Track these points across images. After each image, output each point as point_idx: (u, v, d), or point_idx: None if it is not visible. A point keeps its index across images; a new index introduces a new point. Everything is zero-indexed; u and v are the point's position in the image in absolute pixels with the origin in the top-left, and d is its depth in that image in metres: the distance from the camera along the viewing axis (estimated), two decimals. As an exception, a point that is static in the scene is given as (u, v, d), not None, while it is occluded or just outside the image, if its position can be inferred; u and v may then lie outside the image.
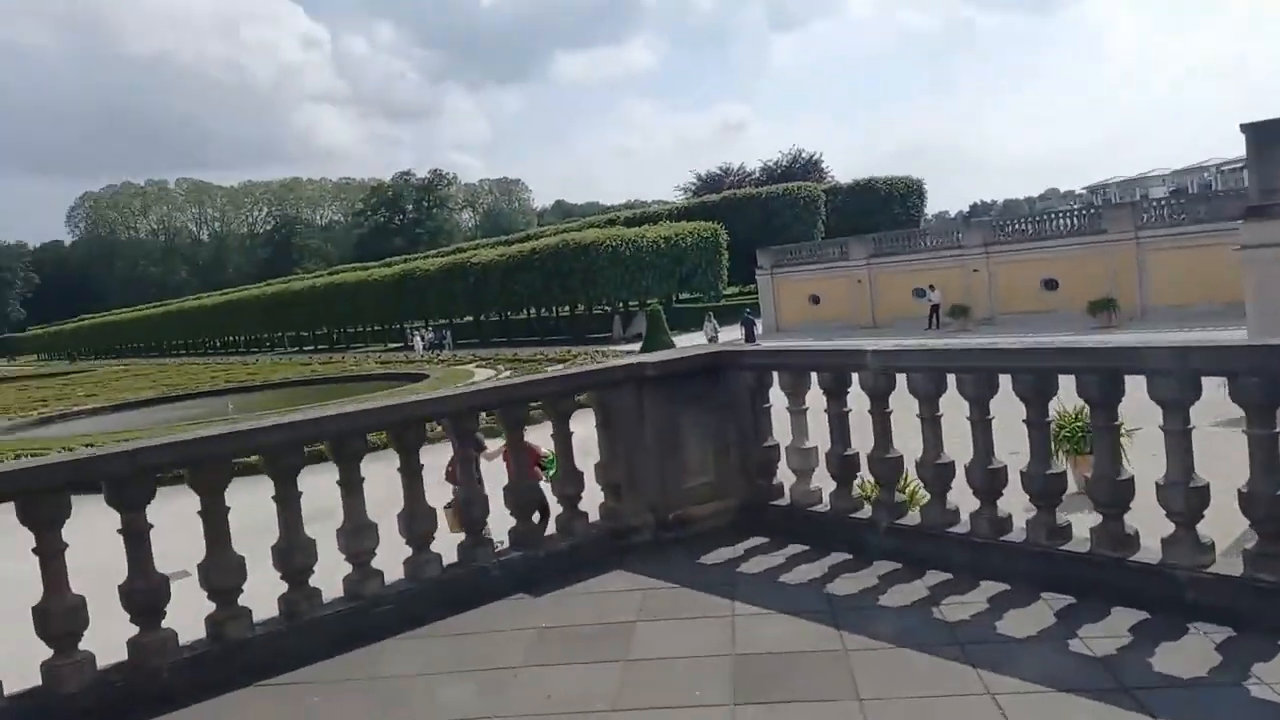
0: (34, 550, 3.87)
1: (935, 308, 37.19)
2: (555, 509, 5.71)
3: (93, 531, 4.45)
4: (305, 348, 74.12)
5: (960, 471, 4.85)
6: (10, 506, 3.85)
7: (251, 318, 79.41)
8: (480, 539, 5.22)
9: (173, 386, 43.06)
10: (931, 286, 37.44)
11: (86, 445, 21.58)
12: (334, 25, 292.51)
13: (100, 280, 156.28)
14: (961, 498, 4.94)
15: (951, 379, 4.78)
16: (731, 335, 35.55)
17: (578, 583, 5.17)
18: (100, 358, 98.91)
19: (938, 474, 4.92)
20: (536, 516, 6.01)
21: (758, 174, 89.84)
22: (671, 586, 5.01)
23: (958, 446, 4.96)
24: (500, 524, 5.47)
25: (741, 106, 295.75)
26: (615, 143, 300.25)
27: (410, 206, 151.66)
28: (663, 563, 5.38)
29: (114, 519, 4.09)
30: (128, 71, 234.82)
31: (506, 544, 5.43)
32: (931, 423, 4.92)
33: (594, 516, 5.79)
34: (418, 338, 52.33)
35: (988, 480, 4.69)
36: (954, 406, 4.86)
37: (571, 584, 5.15)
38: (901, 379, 4.97)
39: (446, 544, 5.18)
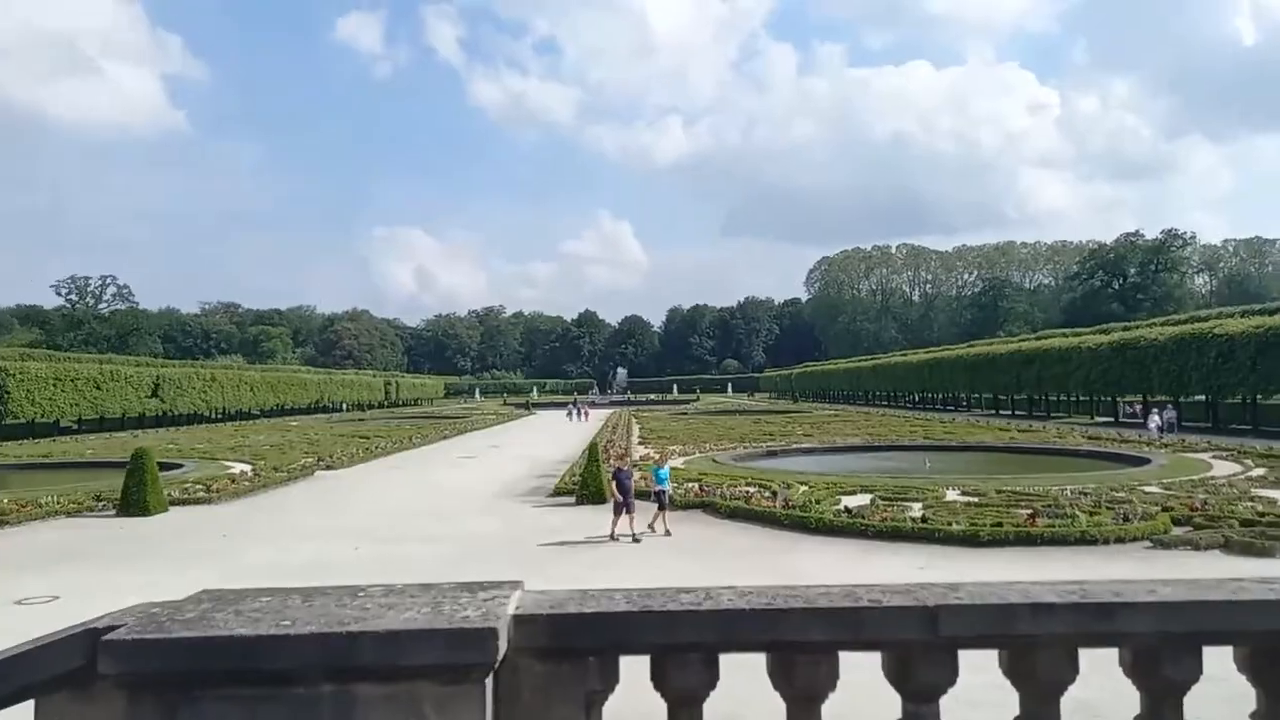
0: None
1: None
2: None
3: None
4: (1002, 411, 71.47)
5: None
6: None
7: (951, 376, 79.90)
8: None
9: (875, 435, 44.76)
10: None
11: (802, 483, 22.59)
12: (1064, 87, 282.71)
13: (823, 333, 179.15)
14: None
15: None
16: None
17: None
18: (815, 400, 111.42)
19: None
20: None
21: None
22: None
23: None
24: None
25: None
26: None
27: (1133, 270, 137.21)
28: None
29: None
30: (868, 153, 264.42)
31: None
32: None
33: None
34: (1154, 416, 45.06)
35: None
36: None
37: None
38: None
39: None
